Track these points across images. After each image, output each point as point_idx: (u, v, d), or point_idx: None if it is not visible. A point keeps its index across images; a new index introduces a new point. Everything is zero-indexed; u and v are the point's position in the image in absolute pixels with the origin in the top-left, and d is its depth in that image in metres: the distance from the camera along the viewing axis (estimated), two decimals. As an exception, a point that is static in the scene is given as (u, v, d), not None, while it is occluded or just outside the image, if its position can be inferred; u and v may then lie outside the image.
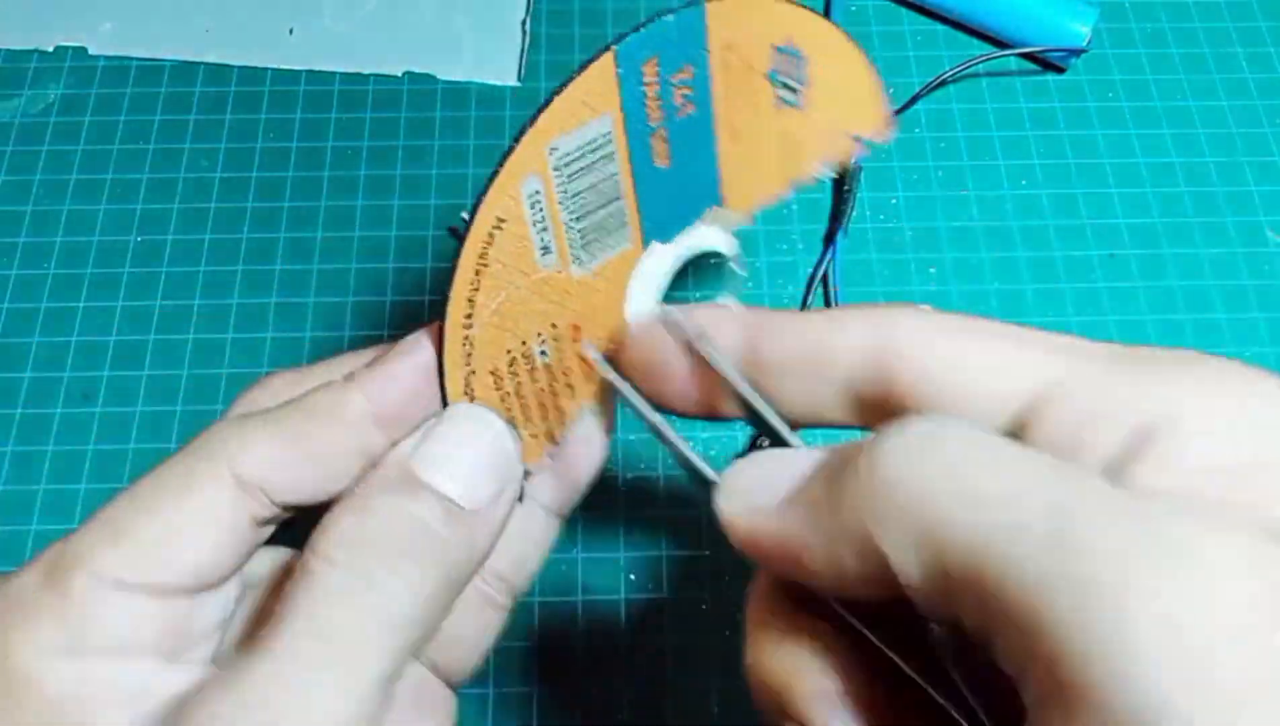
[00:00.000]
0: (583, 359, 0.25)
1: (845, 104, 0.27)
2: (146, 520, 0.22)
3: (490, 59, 0.52)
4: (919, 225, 0.47)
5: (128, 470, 0.42)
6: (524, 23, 0.53)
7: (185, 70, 0.51)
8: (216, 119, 0.50)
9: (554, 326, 0.25)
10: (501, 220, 0.23)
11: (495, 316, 0.24)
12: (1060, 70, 0.51)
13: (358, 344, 0.44)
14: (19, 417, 0.43)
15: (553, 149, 0.23)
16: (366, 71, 0.51)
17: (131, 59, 0.51)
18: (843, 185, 0.47)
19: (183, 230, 0.47)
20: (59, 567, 0.21)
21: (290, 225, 0.47)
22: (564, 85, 0.23)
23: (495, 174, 0.23)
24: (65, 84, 0.50)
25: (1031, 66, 0.52)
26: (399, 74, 0.51)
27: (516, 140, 0.23)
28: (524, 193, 0.23)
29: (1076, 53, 0.50)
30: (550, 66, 0.51)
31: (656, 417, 0.24)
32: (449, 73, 0.51)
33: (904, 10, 0.53)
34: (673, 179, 0.25)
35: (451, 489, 0.22)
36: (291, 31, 0.52)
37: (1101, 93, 0.51)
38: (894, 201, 0.48)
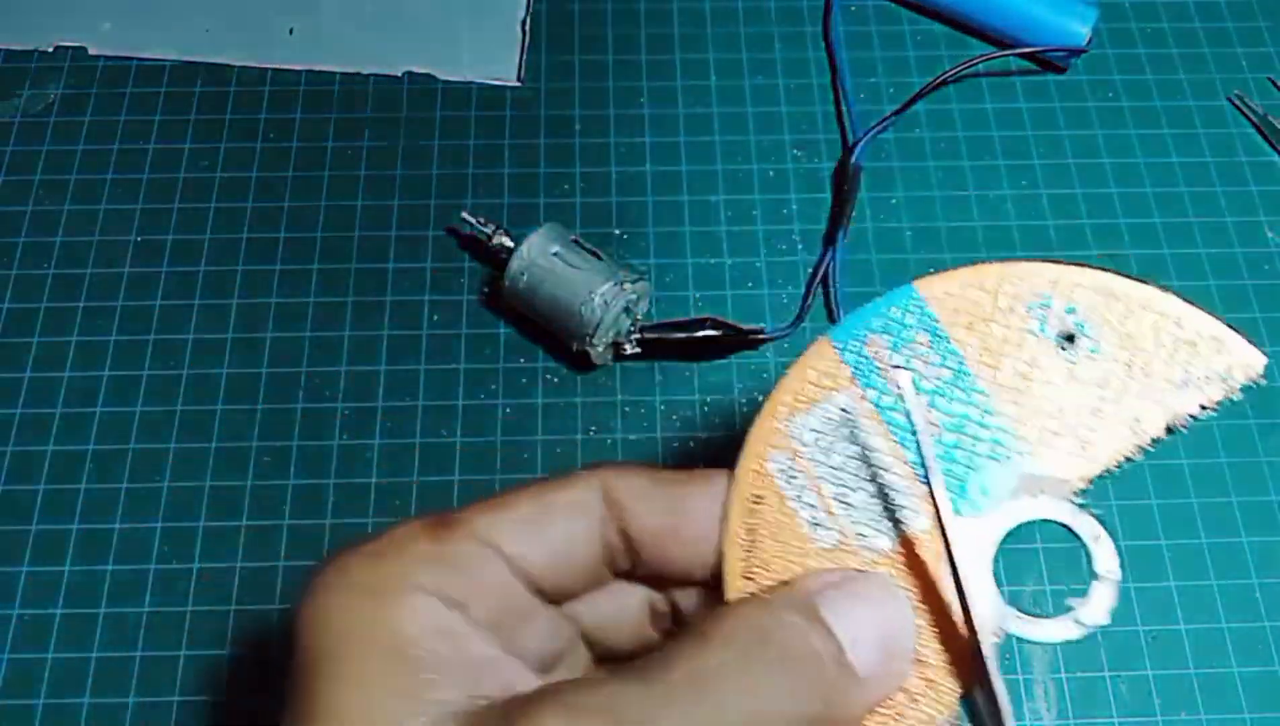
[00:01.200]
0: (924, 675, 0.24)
1: (1164, 345, 0.26)
2: (526, 499, 0.24)
3: (490, 59, 0.52)
4: (919, 225, 0.47)
5: (127, 470, 0.42)
6: (524, 23, 0.53)
7: (185, 70, 0.51)
8: (216, 119, 0.50)
9: None
10: (758, 497, 0.24)
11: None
12: (1060, 70, 0.51)
13: (358, 343, 0.44)
14: (19, 418, 0.43)
15: (790, 426, 0.24)
16: (366, 71, 0.51)
17: (131, 59, 0.51)
18: (843, 185, 0.47)
19: (183, 230, 0.47)
20: (443, 523, 0.23)
21: (290, 225, 0.47)
22: (787, 369, 0.25)
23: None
24: (65, 84, 0.50)
25: (1031, 66, 0.52)
26: (399, 74, 0.51)
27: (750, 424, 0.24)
28: (773, 469, 0.24)
29: (1076, 53, 0.50)
30: (550, 66, 0.51)
31: None
32: (449, 73, 0.51)
33: (904, 10, 0.53)
34: (955, 444, 0.24)
35: (847, 642, 0.22)
36: (291, 31, 0.52)
37: (1101, 93, 0.51)
38: (894, 201, 0.48)
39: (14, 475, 0.42)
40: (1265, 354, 0.25)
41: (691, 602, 0.26)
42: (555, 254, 0.42)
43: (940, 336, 0.25)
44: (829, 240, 0.47)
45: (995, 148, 0.49)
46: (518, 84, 0.51)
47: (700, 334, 0.43)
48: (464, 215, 0.45)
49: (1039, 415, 0.24)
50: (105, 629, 0.39)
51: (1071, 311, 0.25)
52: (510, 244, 0.43)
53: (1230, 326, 0.25)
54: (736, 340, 0.44)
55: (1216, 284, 0.46)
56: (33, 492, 0.41)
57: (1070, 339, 0.25)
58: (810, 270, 0.46)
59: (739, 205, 0.48)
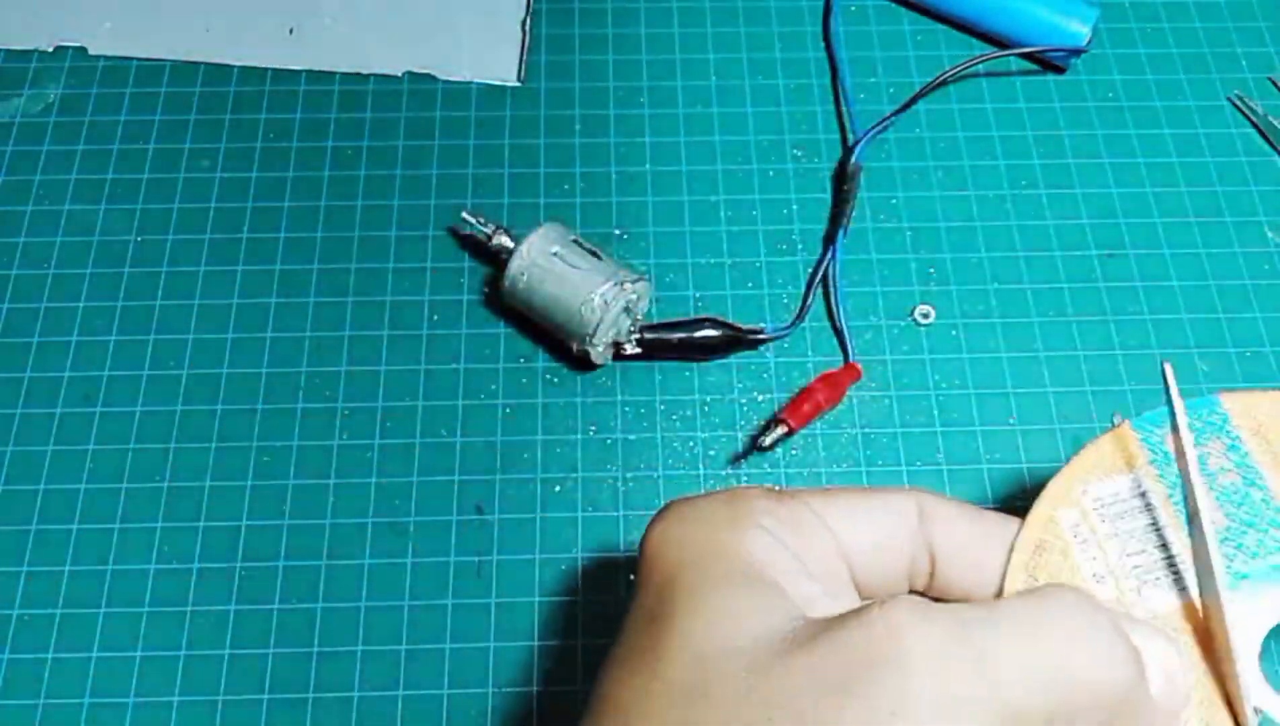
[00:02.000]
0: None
1: None
2: (852, 494, 0.27)
3: (490, 59, 0.52)
4: (919, 225, 0.47)
5: (127, 470, 0.42)
6: (524, 23, 0.53)
7: (185, 70, 0.51)
8: (216, 119, 0.50)
9: None
10: (1044, 542, 0.27)
11: None
12: (1060, 70, 0.51)
13: (358, 343, 0.44)
14: (19, 417, 0.43)
15: (1084, 491, 0.28)
16: (366, 71, 0.51)
17: (131, 59, 0.51)
18: (843, 185, 0.47)
19: (183, 230, 0.47)
20: (784, 494, 0.27)
21: (290, 225, 0.47)
22: (1086, 444, 0.28)
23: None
24: (65, 84, 0.50)
25: (1031, 66, 0.52)
26: (399, 74, 0.51)
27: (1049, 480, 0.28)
28: (1063, 523, 0.27)
29: (1076, 53, 0.50)
30: (550, 66, 0.51)
31: None
32: (449, 73, 0.51)
33: (904, 10, 0.53)
34: (1239, 538, 0.27)
35: (1148, 667, 0.24)
36: (291, 31, 0.52)
37: (1101, 93, 0.51)
38: (894, 201, 0.48)
39: (14, 475, 0.42)
40: None
41: None
42: (555, 254, 0.42)
43: (1237, 447, 0.28)
44: (829, 240, 0.47)
45: (995, 148, 0.49)
46: (518, 84, 0.51)
47: (700, 334, 0.43)
48: (464, 215, 0.45)
49: None
50: (105, 629, 0.39)
51: None
52: (510, 244, 0.43)
53: None
54: (736, 340, 0.44)
55: (1216, 284, 0.46)
56: (33, 492, 0.41)
57: None
58: (810, 270, 0.46)
59: (739, 205, 0.48)
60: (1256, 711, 0.25)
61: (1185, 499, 0.27)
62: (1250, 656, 0.26)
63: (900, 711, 0.21)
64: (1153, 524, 0.27)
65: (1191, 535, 0.26)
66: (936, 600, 0.27)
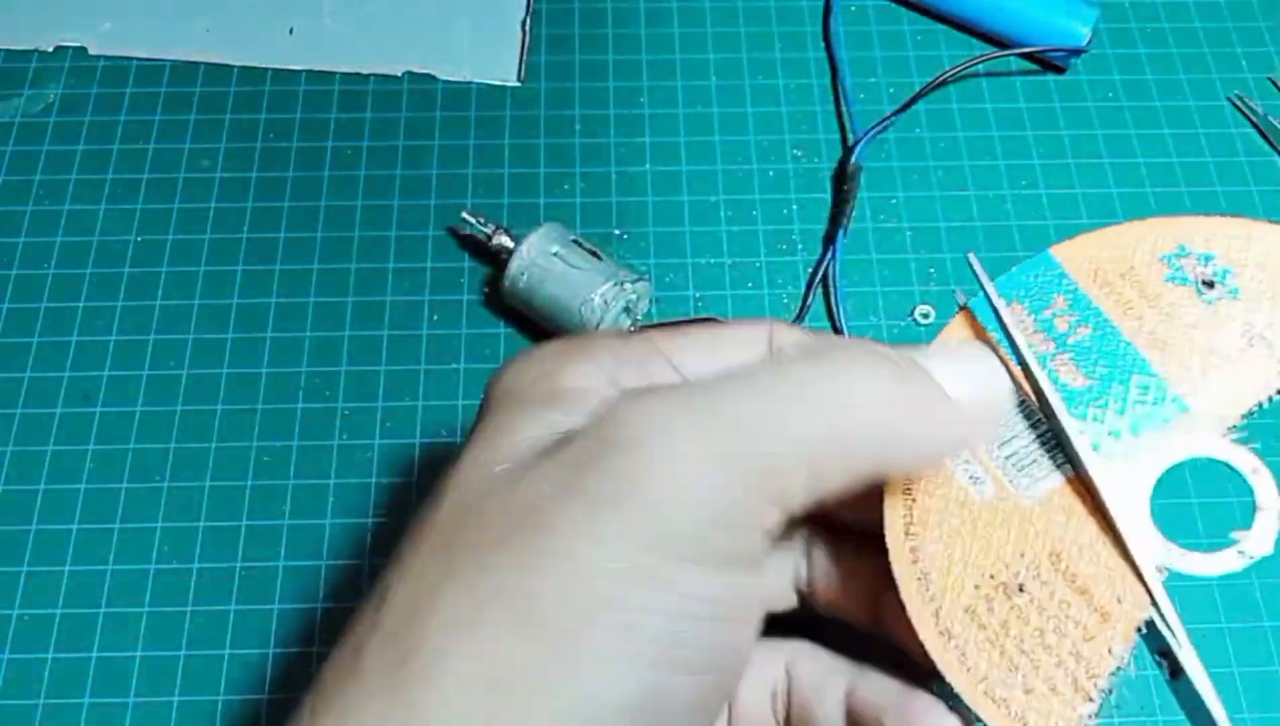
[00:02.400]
0: (1082, 591, 0.24)
1: None
2: (703, 330, 0.26)
3: (490, 59, 0.52)
4: (919, 225, 0.47)
5: (127, 470, 0.42)
6: (524, 23, 0.53)
7: (185, 70, 0.51)
8: (216, 119, 0.50)
9: (1023, 555, 0.24)
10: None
11: (944, 549, 0.24)
12: (1060, 70, 0.51)
13: (358, 343, 0.44)
14: (19, 417, 0.43)
15: None
16: (366, 71, 0.51)
17: (131, 59, 0.51)
18: (843, 185, 0.47)
19: (183, 230, 0.47)
20: (633, 335, 0.26)
21: (290, 225, 0.47)
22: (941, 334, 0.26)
23: None
24: (65, 84, 0.50)
25: (1031, 66, 0.52)
26: (399, 74, 0.51)
27: None
28: None
29: (1076, 53, 0.50)
30: (550, 66, 0.51)
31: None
32: (449, 73, 0.51)
33: (904, 10, 0.53)
34: (1104, 394, 0.25)
35: (936, 368, 0.23)
36: (291, 31, 0.52)
37: (1101, 93, 0.51)
38: (894, 201, 0.48)
39: (14, 475, 0.42)
40: None
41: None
42: (555, 254, 0.42)
43: (1079, 296, 0.26)
44: (829, 240, 0.47)
45: (995, 148, 0.49)
46: (518, 84, 0.51)
47: (700, 334, 0.43)
48: (464, 215, 0.45)
49: (1186, 357, 0.25)
50: (105, 629, 0.39)
51: (1209, 259, 0.26)
52: (510, 244, 0.43)
53: None
54: (736, 340, 0.44)
55: (1216, 284, 0.46)
56: (33, 492, 0.41)
57: (1210, 285, 0.26)
58: (810, 270, 0.46)
59: (739, 205, 0.48)
60: (1160, 570, 0.24)
61: (1040, 376, 0.25)
62: (1142, 512, 0.25)
63: (621, 492, 0.20)
64: (1017, 407, 0.25)
65: (1047, 411, 0.25)
66: None
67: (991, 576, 0.24)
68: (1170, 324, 0.25)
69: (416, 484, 0.42)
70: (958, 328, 0.27)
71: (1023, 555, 0.24)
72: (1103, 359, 0.25)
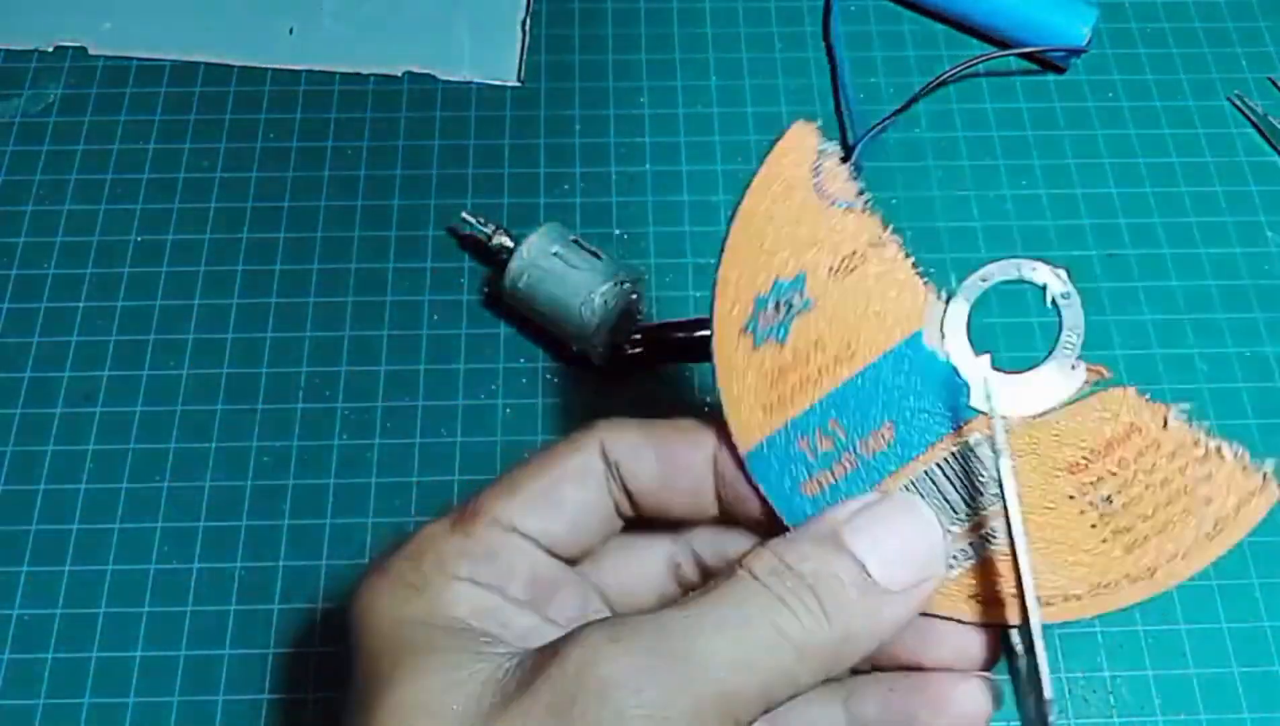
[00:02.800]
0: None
1: None
2: (533, 478, 0.27)
3: (490, 59, 0.52)
4: (919, 225, 0.47)
5: (127, 470, 0.42)
6: (524, 23, 0.53)
7: (185, 70, 0.51)
8: (216, 119, 0.50)
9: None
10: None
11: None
12: (1060, 70, 0.51)
13: (358, 343, 0.44)
14: (19, 417, 0.43)
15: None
16: (366, 71, 0.51)
17: (131, 59, 0.51)
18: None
19: (183, 230, 0.47)
20: (463, 517, 0.26)
21: (290, 225, 0.47)
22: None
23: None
24: (65, 84, 0.50)
25: (1031, 66, 0.52)
26: (399, 74, 0.51)
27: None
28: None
29: (1076, 53, 0.50)
30: (550, 67, 0.51)
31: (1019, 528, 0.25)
32: (449, 73, 0.51)
33: (904, 10, 0.53)
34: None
35: (872, 563, 0.24)
36: (291, 31, 0.52)
37: (1101, 93, 0.51)
38: (894, 201, 0.48)
39: (14, 475, 0.42)
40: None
41: (709, 547, 0.28)
42: (555, 254, 0.42)
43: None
44: (829, 240, 0.46)
45: (995, 148, 0.49)
46: (518, 84, 0.51)
47: (700, 334, 0.43)
48: (464, 215, 0.45)
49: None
50: (105, 629, 0.39)
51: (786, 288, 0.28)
52: (510, 244, 0.43)
53: None
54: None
55: (1216, 284, 0.46)
56: (33, 492, 0.41)
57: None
58: (810, 270, 0.46)
59: (739, 205, 0.48)
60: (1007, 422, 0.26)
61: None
62: (962, 346, 0.27)
63: None
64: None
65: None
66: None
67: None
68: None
69: (416, 484, 0.42)
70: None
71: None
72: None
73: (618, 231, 0.47)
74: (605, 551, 0.29)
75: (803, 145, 0.28)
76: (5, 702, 0.38)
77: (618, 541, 0.29)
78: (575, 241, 0.43)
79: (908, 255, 0.28)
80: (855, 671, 0.27)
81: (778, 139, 0.28)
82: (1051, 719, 0.23)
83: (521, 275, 0.42)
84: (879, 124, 0.49)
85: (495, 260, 0.45)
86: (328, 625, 0.39)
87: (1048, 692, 0.23)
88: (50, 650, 0.39)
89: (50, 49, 0.51)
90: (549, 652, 0.23)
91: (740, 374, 0.26)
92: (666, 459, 0.27)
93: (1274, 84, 0.51)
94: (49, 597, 0.39)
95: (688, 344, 0.43)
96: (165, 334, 0.44)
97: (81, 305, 0.45)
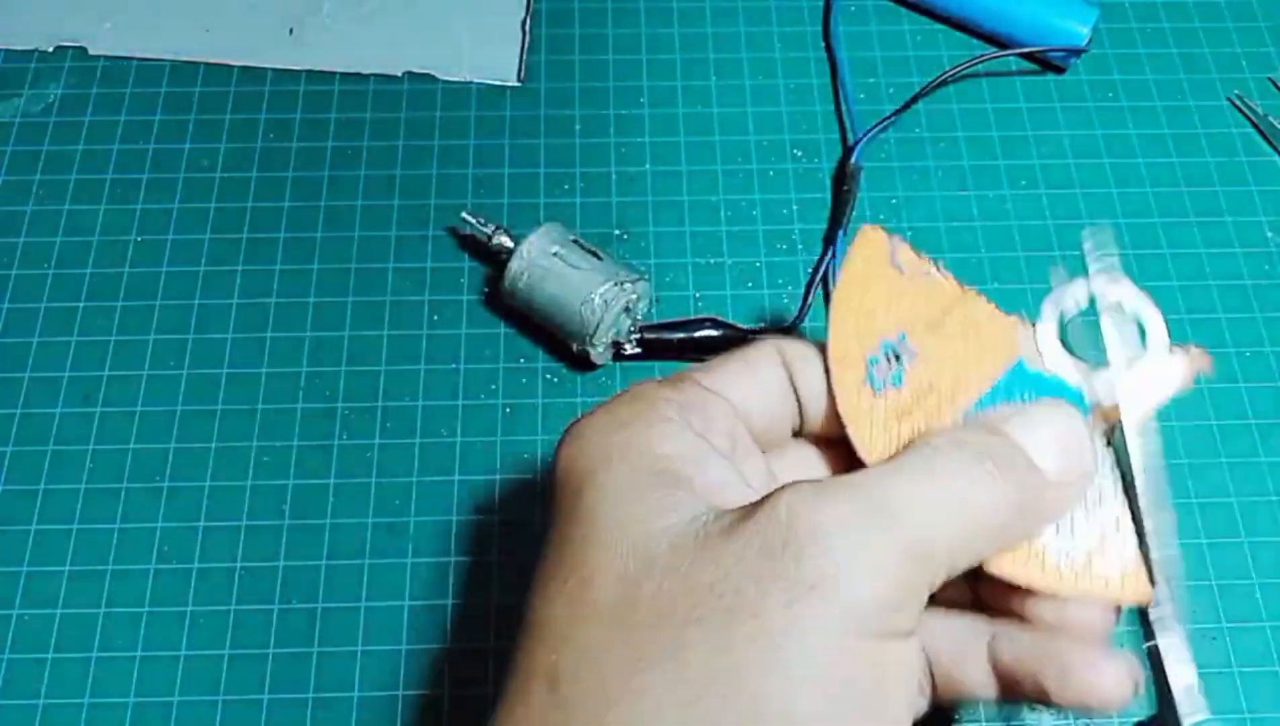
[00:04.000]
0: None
1: None
2: (731, 360, 0.29)
3: (490, 59, 0.52)
4: (919, 225, 0.47)
5: (127, 470, 0.42)
6: (524, 23, 0.53)
7: (185, 70, 0.51)
8: (216, 119, 0.50)
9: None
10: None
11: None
12: (1060, 70, 0.51)
13: (358, 343, 0.44)
14: (19, 417, 0.43)
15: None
16: (366, 71, 0.51)
17: (131, 59, 0.51)
18: (843, 185, 0.47)
19: (183, 230, 0.47)
20: (678, 380, 0.28)
21: (290, 225, 0.47)
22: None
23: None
24: (65, 84, 0.50)
25: (1031, 66, 0.52)
26: (399, 74, 0.51)
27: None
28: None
29: (1076, 53, 0.50)
30: (550, 66, 0.51)
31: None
32: (449, 73, 0.51)
33: (904, 10, 0.53)
34: None
35: (1030, 447, 0.26)
36: (291, 31, 0.52)
37: (1101, 93, 0.51)
38: (894, 201, 0.48)
39: (14, 475, 0.42)
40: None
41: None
42: (555, 254, 0.42)
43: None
44: (829, 240, 0.47)
45: (995, 148, 0.49)
46: (518, 84, 0.51)
47: (700, 334, 0.43)
48: (464, 215, 0.45)
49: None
50: (105, 629, 0.39)
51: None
52: (510, 244, 0.43)
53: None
54: (736, 340, 0.44)
55: (1216, 284, 0.46)
56: (32, 493, 0.41)
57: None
58: (810, 270, 0.46)
59: (739, 205, 0.48)
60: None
61: None
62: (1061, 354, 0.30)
63: (819, 581, 0.22)
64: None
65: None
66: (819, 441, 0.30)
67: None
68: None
69: (416, 484, 0.42)
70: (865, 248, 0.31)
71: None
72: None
73: (618, 231, 0.47)
74: (785, 452, 0.30)
75: (875, 240, 0.31)
76: (5, 702, 0.38)
77: (795, 447, 0.30)
78: (575, 241, 0.43)
79: (988, 300, 0.31)
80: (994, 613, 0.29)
81: (852, 241, 0.31)
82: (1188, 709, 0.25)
83: (521, 275, 0.42)
84: (879, 124, 0.49)
85: (495, 260, 0.45)
86: (327, 625, 0.39)
87: (1189, 678, 0.26)
88: (50, 650, 0.39)
89: (50, 49, 0.51)
90: (755, 504, 0.24)
91: (867, 414, 0.29)
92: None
93: (1274, 84, 0.51)
94: (49, 597, 0.39)
95: (688, 344, 0.43)
96: (165, 334, 0.44)
97: (81, 305, 0.45)
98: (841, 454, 0.30)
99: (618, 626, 0.23)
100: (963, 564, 0.25)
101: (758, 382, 0.29)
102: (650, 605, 0.23)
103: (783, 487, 0.24)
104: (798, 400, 0.30)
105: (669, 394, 0.27)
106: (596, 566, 0.24)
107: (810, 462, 0.30)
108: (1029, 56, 0.51)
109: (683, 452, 0.25)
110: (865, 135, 0.48)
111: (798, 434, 0.30)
